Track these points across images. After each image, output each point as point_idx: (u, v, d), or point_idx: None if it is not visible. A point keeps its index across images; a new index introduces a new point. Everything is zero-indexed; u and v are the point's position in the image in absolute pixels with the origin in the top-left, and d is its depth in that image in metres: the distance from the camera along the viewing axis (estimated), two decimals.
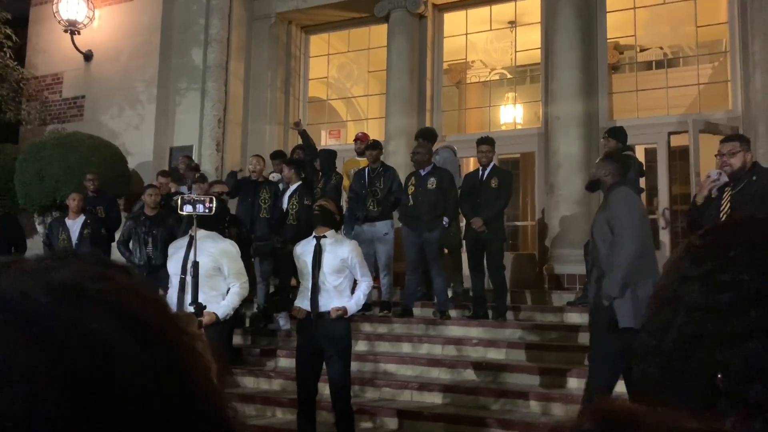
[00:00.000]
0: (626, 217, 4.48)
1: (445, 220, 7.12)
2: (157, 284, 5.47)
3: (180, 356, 0.45)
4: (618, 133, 6.88)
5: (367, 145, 7.82)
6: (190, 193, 7.55)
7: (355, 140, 8.54)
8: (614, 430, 0.35)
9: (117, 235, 7.88)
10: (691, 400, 0.80)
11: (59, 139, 9.48)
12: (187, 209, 3.81)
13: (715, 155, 4.83)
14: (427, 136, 7.72)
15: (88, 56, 10.70)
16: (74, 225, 7.62)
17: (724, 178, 4.76)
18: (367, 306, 7.21)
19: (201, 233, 4.62)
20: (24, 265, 0.45)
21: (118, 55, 10.51)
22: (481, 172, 7.23)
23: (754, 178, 4.65)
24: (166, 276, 4.94)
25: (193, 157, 9.64)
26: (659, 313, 0.86)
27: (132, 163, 9.88)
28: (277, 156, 8.68)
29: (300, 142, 8.68)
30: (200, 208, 3.82)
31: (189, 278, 4.37)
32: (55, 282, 0.44)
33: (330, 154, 8.24)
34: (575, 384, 5.74)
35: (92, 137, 9.58)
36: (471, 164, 9.86)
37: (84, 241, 7.46)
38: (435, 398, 5.98)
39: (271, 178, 8.16)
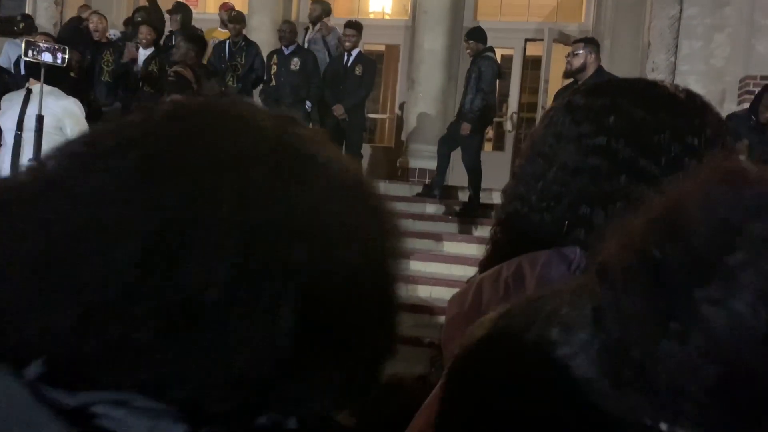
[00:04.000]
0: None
1: (308, 104, 7.04)
2: None
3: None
4: (477, 35, 7.04)
5: (229, 17, 7.39)
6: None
7: (221, 9, 8.02)
8: (745, 184, 0.35)
9: None
10: (545, 244, 0.90)
11: None
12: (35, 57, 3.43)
13: (566, 56, 5.21)
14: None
15: None
16: None
17: None
18: None
19: (42, 88, 4.20)
20: None
21: None
22: (345, 58, 7.17)
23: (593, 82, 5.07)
24: None
25: (28, 11, 8.59)
26: (532, 164, 0.91)
27: None
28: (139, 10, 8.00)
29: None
30: (50, 57, 3.45)
31: (26, 134, 3.99)
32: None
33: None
34: (415, 266, 6.17)
35: None
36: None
37: None
38: None
39: (110, 36, 7.49)
